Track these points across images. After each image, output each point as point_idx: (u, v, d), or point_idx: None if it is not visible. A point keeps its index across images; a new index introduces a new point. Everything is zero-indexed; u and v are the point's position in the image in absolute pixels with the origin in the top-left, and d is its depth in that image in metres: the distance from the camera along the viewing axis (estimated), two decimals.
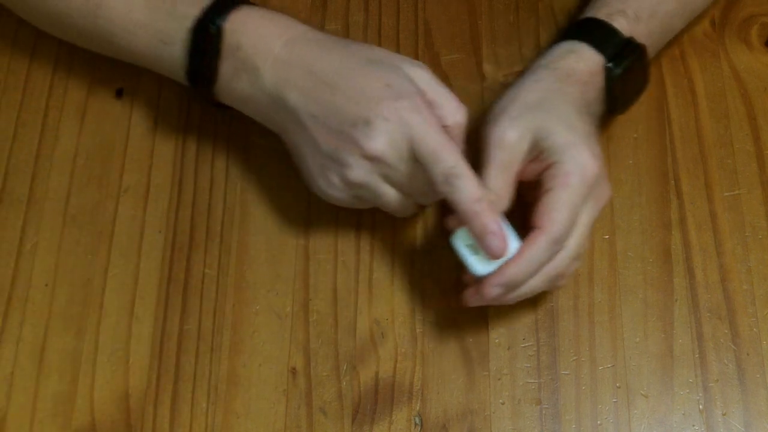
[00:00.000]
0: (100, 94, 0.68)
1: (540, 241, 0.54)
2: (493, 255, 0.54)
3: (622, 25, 0.61)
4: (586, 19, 0.62)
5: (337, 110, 0.56)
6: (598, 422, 0.58)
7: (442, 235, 0.64)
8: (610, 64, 0.60)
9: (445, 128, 0.56)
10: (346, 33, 0.70)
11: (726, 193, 0.65)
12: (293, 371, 0.60)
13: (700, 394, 0.59)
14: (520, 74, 0.63)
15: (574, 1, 0.71)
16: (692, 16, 0.67)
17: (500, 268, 0.54)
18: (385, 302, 0.62)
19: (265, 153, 0.66)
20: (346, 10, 0.71)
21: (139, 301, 0.62)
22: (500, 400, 0.59)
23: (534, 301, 0.61)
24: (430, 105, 0.56)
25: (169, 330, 0.61)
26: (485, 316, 0.61)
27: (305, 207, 0.64)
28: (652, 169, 0.66)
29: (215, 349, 0.61)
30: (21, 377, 0.60)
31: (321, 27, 0.71)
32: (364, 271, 0.63)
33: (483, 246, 0.54)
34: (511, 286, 0.55)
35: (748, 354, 0.60)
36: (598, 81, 0.61)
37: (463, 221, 0.55)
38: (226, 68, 0.59)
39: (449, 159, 0.54)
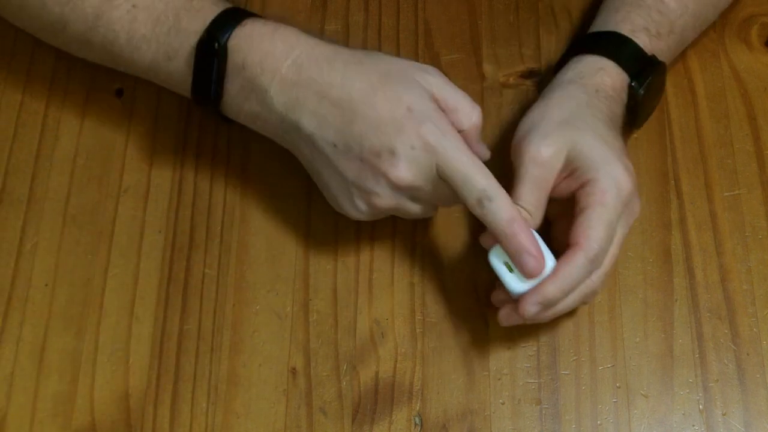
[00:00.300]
0: (100, 94, 0.68)
1: (578, 259, 0.53)
2: (529, 275, 0.54)
3: (645, 42, 0.61)
4: (610, 33, 0.62)
5: (357, 139, 0.54)
6: (598, 422, 0.58)
7: (441, 236, 0.64)
8: (633, 83, 0.60)
9: (461, 132, 0.55)
10: (346, 33, 0.70)
11: (726, 193, 0.65)
12: (293, 371, 0.60)
13: (700, 394, 0.59)
14: (543, 87, 0.63)
15: (575, 1, 0.71)
16: (703, 29, 0.68)
17: (538, 287, 0.54)
18: (385, 302, 0.62)
19: (266, 153, 0.66)
20: (346, 10, 0.71)
21: (139, 301, 0.62)
22: (500, 400, 0.59)
23: None
24: (446, 113, 0.55)
25: (169, 330, 0.61)
26: (485, 316, 0.61)
27: (305, 207, 0.64)
28: (652, 169, 0.66)
29: (215, 349, 0.61)
30: (21, 377, 0.60)
31: (321, 27, 0.71)
32: (364, 271, 0.63)
33: (519, 266, 0.54)
34: (548, 305, 0.54)
35: (748, 354, 0.60)
36: (623, 97, 0.61)
37: (498, 241, 0.54)
38: (232, 86, 0.58)
39: (480, 182, 0.53)
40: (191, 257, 0.63)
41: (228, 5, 0.59)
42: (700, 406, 0.59)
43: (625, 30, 0.61)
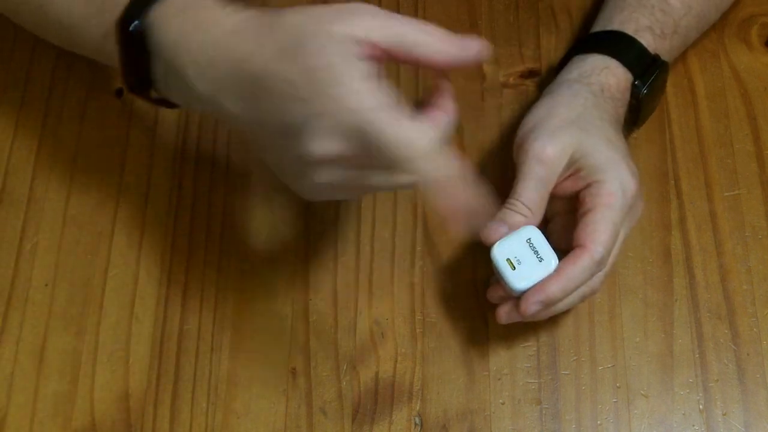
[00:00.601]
0: (100, 94, 0.68)
1: (583, 261, 0.53)
2: (485, 238, 0.53)
3: (649, 41, 0.61)
4: (614, 33, 0.62)
5: (276, 114, 0.47)
6: (598, 422, 0.58)
7: (441, 236, 0.64)
8: (637, 82, 0.60)
9: (435, 65, 0.48)
10: None
11: (726, 193, 0.65)
12: (293, 371, 0.60)
13: (700, 394, 0.59)
14: (543, 87, 0.62)
15: (575, 1, 0.71)
16: (705, 29, 0.68)
17: (541, 285, 0.53)
18: (385, 302, 0.62)
19: None
20: None
21: (139, 301, 0.62)
22: (500, 400, 0.59)
23: None
24: (394, 55, 0.47)
25: (169, 330, 0.61)
26: (485, 316, 0.61)
27: (305, 206, 0.64)
28: (652, 169, 0.66)
29: (215, 349, 0.61)
30: (21, 377, 0.60)
31: None
32: (364, 271, 0.63)
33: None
34: (550, 304, 0.54)
35: (748, 354, 0.60)
36: (626, 97, 0.61)
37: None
38: (157, 68, 0.52)
39: (405, 144, 0.45)
40: (191, 257, 0.63)
41: None
42: (700, 406, 0.59)
43: (629, 29, 0.61)
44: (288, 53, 0.46)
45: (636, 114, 0.63)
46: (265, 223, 0.64)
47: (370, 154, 0.46)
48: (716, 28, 0.70)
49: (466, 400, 0.59)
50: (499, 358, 0.60)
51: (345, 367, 0.60)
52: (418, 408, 0.59)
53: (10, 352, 0.60)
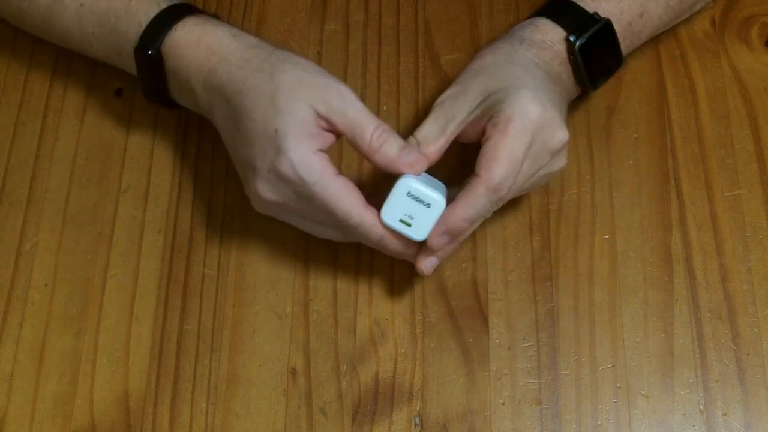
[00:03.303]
0: (99, 94, 0.68)
1: (478, 190, 0.54)
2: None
3: (587, 3, 0.62)
4: (556, 0, 0.63)
5: (237, 147, 0.57)
6: (599, 422, 0.58)
7: None
8: (571, 37, 0.61)
9: (374, 153, 0.55)
10: (346, 33, 0.70)
11: (726, 193, 0.65)
12: (293, 371, 0.60)
13: (701, 395, 0.59)
14: None
15: None
16: (677, 12, 0.67)
17: (442, 218, 0.55)
18: (385, 302, 0.62)
19: None
20: (346, 10, 0.71)
21: (139, 301, 0.62)
22: (500, 401, 0.59)
23: (534, 301, 0.61)
24: (345, 135, 0.55)
25: (169, 330, 0.61)
26: (485, 316, 0.61)
27: None
28: (653, 169, 0.66)
29: (215, 349, 0.61)
30: (21, 377, 0.60)
31: (321, 27, 0.71)
32: (364, 271, 0.63)
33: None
34: (456, 234, 0.55)
35: (748, 354, 0.60)
36: (558, 49, 0.61)
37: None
38: (172, 85, 0.61)
39: (345, 213, 0.54)
40: (191, 257, 0.63)
41: (163, 3, 0.61)
42: (701, 407, 0.59)
43: None
44: (264, 102, 0.55)
45: (581, 71, 0.62)
46: (265, 222, 0.64)
47: (308, 209, 0.56)
48: (716, 28, 0.70)
49: (466, 400, 0.59)
50: (499, 358, 0.60)
51: (345, 367, 0.60)
52: (418, 408, 0.59)
53: (10, 352, 0.60)
